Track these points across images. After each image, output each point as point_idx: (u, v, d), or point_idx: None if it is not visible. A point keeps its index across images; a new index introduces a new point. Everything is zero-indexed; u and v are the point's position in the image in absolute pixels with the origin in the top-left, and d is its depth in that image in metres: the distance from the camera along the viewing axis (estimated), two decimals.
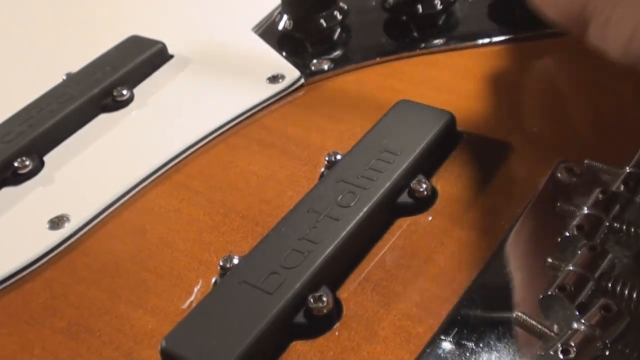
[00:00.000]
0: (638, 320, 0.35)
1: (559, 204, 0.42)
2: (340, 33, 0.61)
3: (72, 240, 0.47)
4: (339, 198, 0.43)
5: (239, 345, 0.37)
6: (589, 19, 0.37)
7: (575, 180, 0.43)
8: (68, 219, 0.48)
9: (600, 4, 0.36)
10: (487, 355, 0.36)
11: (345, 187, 0.44)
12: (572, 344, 0.33)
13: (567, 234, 0.39)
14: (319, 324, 0.39)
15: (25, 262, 0.46)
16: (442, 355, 0.36)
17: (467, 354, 0.36)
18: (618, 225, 0.39)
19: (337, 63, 0.57)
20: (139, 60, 0.59)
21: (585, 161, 0.44)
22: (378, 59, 0.57)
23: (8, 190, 0.51)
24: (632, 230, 0.39)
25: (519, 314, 0.36)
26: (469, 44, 0.57)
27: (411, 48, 0.58)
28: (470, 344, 0.36)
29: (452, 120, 0.48)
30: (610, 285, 0.36)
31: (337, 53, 0.59)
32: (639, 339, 0.34)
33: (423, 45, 0.58)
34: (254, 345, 0.37)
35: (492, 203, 0.44)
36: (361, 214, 0.42)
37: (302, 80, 0.56)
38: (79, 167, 0.52)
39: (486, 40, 0.57)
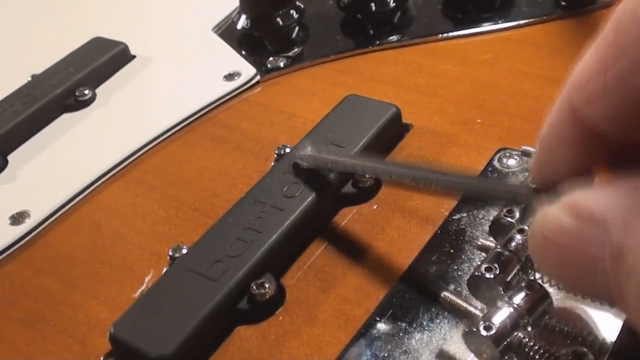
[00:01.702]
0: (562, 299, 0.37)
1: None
2: (297, 31, 0.62)
3: (32, 235, 0.48)
4: (285, 189, 0.45)
5: (184, 330, 0.38)
6: None
7: (511, 166, 0.45)
8: (29, 215, 0.49)
9: None
10: (419, 335, 0.37)
11: (291, 178, 0.45)
12: (494, 321, 0.35)
13: (500, 216, 0.40)
14: (262, 310, 0.41)
15: None
16: (376, 335, 0.38)
17: (401, 334, 0.38)
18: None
19: (293, 60, 0.59)
20: (101, 61, 0.61)
21: (522, 147, 0.45)
22: (332, 56, 0.58)
23: None
24: None
25: (447, 294, 0.37)
26: (420, 40, 0.59)
27: (365, 45, 0.59)
28: (404, 325, 0.38)
29: (397, 113, 0.49)
30: (535, 266, 0.37)
31: (294, 51, 0.60)
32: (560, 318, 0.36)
33: (377, 42, 0.59)
34: (198, 330, 0.39)
35: (433, 191, 0.46)
36: (305, 203, 0.44)
37: (258, 77, 0.58)
38: (40, 165, 0.54)
39: (438, 36, 0.59)
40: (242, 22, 0.62)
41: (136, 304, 0.40)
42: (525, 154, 0.45)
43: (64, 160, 0.54)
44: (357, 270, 0.42)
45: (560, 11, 0.59)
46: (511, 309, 0.35)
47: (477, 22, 0.59)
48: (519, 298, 0.36)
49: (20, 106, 0.57)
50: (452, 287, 0.39)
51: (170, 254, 0.43)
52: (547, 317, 0.36)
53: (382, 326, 0.38)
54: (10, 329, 0.43)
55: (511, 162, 0.46)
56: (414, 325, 0.38)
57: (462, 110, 0.51)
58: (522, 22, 0.58)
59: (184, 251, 0.43)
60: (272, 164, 0.49)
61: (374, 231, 0.44)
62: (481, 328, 0.34)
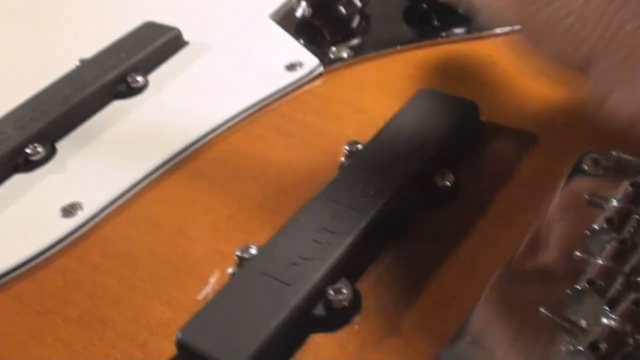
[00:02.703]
0: None
1: (586, 196, 0.40)
2: (359, 20, 0.60)
3: (85, 228, 0.46)
4: (360, 188, 0.42)
5: (257, 338, 0.36)
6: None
7: (602, 172, 0.42)
8: (81, 207, 0.47)
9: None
10: (514, 352, 0.35)
11: (366, 176, 0.43)
12: (602, 340, 0.32)
13: (596, 226, 0.38)
14: (338, 317, 0.38)
15: (38, 250, 0.45)
16: (462, 351, 0.35)
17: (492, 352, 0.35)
18: None
19: (357, 51, 0.56)
20: (153, 46, 0.58)
21: (613, 152, 0.43)
22: (398, 47, 0.56)
23: (20, 177, 0.50)
24: None
25: (545, 309, 0.35)
26: (489, 32, 0.56)
27: (431, 36, 0.56)
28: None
29: (475, 110, 0.46)
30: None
31: (357, 41, 0.58)
32: None
33: (444, 34, 0.56)
34: (272, 338, 0.36)
35: (516, 195, 0.43)
36: (381, 204, 0.41)
37: (321, 69, 0.55)
38: (91, 155, 0.51)
39: (507, 29, 0.56)
40: (301, 10, 0.60)
41: (205, 308, 0.38)
42: (618, 158, 0.42)
43: (117, 150, 0.51)
44: (439, 278, 0.39)
45: None
46: (618, 327, 0.33)
47: None
48: (625, 314, 0.33)
49: (70, 92, 0.54)
50: (547, 300, 0.36)
51: (238, 254, 0.41)
52: None
53: (468, 338, 0.35)
54: (65, 329, 0.40)
55: (598, 165, 0.43)
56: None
57: (541, 109, 0.48)
58: None
59: (253, 251, 0.41)
60: (342, 159, 0.46)
61: (455, 234, 0.41)
62: (588, 348, 0.32)
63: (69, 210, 0.47)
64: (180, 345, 0.37)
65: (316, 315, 0.38)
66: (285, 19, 0.61)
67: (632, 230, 0.37)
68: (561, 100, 0.48)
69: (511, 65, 0.52)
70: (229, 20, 0.62)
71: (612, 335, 0.33)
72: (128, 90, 0.56)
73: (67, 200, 0.47)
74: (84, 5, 0.69)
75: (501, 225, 0.41)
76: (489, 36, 0.56)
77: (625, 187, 0.39)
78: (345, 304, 0.38)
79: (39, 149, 0.51)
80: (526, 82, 0.50)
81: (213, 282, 0.41)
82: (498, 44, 0.55)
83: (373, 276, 0.40)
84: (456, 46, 0.55)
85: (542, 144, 0.46)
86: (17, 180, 0.50)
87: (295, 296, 0.37)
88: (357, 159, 0.44)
